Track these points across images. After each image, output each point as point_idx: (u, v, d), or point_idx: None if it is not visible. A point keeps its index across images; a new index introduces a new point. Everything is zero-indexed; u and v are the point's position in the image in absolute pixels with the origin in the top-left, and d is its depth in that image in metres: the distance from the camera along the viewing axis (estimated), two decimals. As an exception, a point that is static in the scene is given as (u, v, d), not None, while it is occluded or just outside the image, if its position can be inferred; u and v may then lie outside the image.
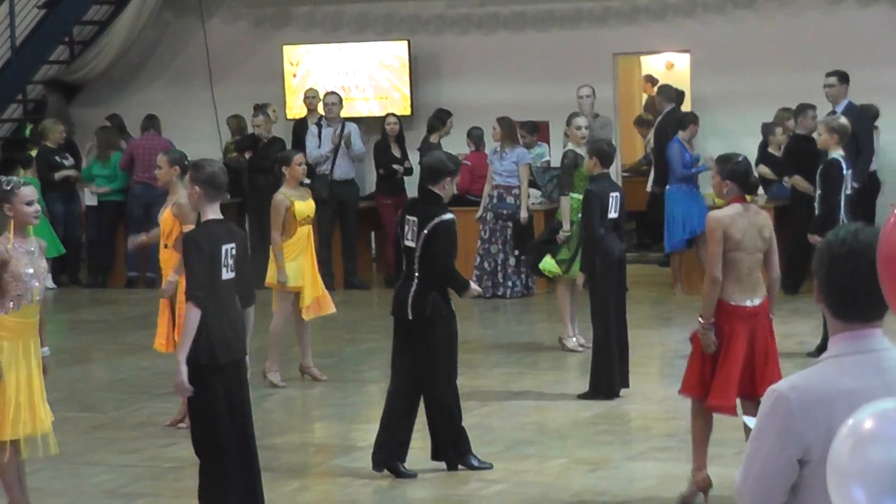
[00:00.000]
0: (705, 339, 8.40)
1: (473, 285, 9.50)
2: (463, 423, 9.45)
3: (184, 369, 7.63)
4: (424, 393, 9.37)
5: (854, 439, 3.15)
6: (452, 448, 9.46)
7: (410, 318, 9.23)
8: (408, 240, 9.29)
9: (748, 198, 8.71)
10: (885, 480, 3.06)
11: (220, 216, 7.96)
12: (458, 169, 9.59)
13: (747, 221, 8.50)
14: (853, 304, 3.72)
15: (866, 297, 3.69)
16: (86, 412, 11.47)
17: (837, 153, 11.71)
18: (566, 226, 13.05)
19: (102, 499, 9.14)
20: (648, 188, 17.97)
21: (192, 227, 10.29)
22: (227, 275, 7.77)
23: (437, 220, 9.20)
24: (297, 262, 11.92)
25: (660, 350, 13.55)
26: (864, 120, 15.33)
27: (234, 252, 7.82)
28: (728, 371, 8.38)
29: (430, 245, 9.20)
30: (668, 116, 17.63)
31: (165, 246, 10.59)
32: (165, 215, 10.59)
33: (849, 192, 11.90)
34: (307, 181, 17.37)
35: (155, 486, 9.41)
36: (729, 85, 18.12)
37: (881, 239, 3.55)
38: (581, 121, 13.56)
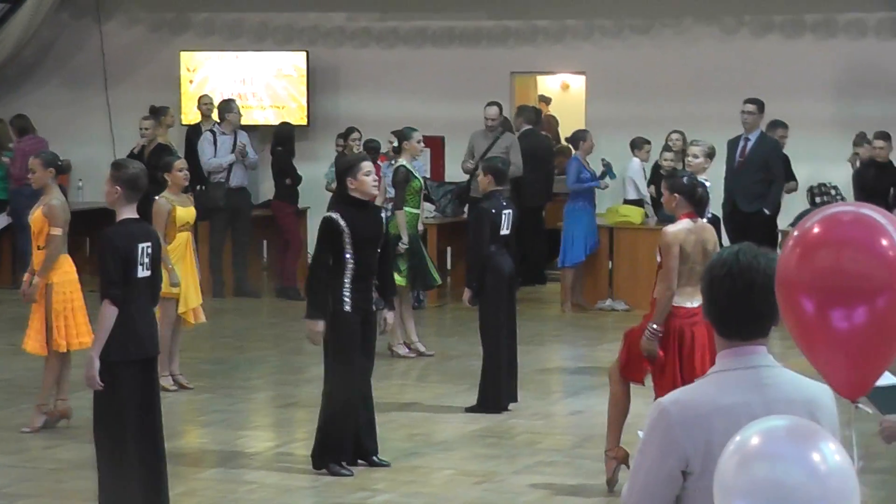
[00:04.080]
0: (651, 346, 8.68)
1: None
2: (339, 430, 9.50)
3: (97, 364, 7.80)
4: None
5: (740, 456, 3.22)
6: (318, 451, 9.55)
7: None
8: None
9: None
10: (770, 497, 3.12)
11: (136, 216, 8.08)
12: (353, 168, 9.49)
13: (695, 237, 8.78)
14: (732, 322, 3.82)
15: (744, 316, 3.79)
16: (-32, 412, 11.33)
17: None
18: (405, 238, 13.27)
19: (-17, 499, 9.05)
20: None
21: (59, 229, 10.28)
22: (142, 273, 7.96)
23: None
24: (175, 268, 11.77)
25: (548, 366, 13.65)
26: (777, 149, 15.66)
27: (150, 251, 7.99)
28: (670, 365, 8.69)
29: None
30: (522, 137, 17.66)
31: (39, 247, 10.48)
32: (36, 215, 10.48)
33: (709, 215, 12.26)
34: (196, 188, 17.33)
35: (37, 487, 9.32)
36: (623, 108, 18.31)
37: (779, 263, 3.70)
38: (418, 135, 13.71)
